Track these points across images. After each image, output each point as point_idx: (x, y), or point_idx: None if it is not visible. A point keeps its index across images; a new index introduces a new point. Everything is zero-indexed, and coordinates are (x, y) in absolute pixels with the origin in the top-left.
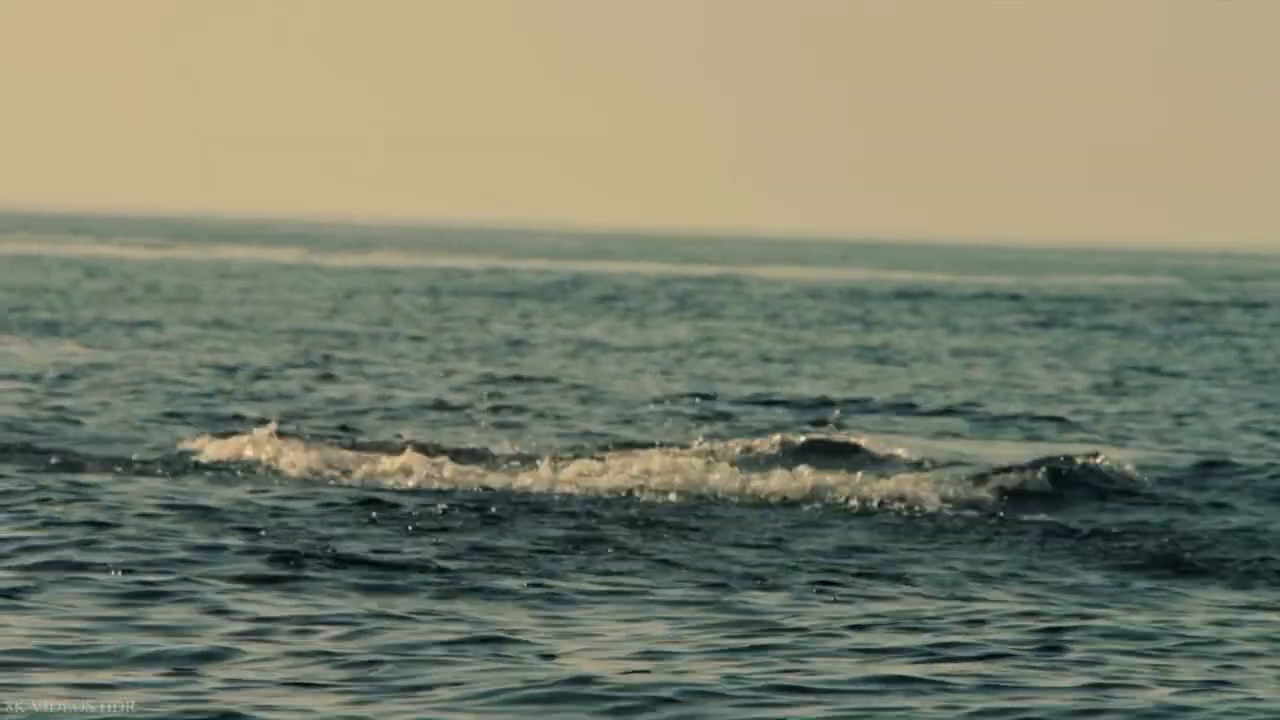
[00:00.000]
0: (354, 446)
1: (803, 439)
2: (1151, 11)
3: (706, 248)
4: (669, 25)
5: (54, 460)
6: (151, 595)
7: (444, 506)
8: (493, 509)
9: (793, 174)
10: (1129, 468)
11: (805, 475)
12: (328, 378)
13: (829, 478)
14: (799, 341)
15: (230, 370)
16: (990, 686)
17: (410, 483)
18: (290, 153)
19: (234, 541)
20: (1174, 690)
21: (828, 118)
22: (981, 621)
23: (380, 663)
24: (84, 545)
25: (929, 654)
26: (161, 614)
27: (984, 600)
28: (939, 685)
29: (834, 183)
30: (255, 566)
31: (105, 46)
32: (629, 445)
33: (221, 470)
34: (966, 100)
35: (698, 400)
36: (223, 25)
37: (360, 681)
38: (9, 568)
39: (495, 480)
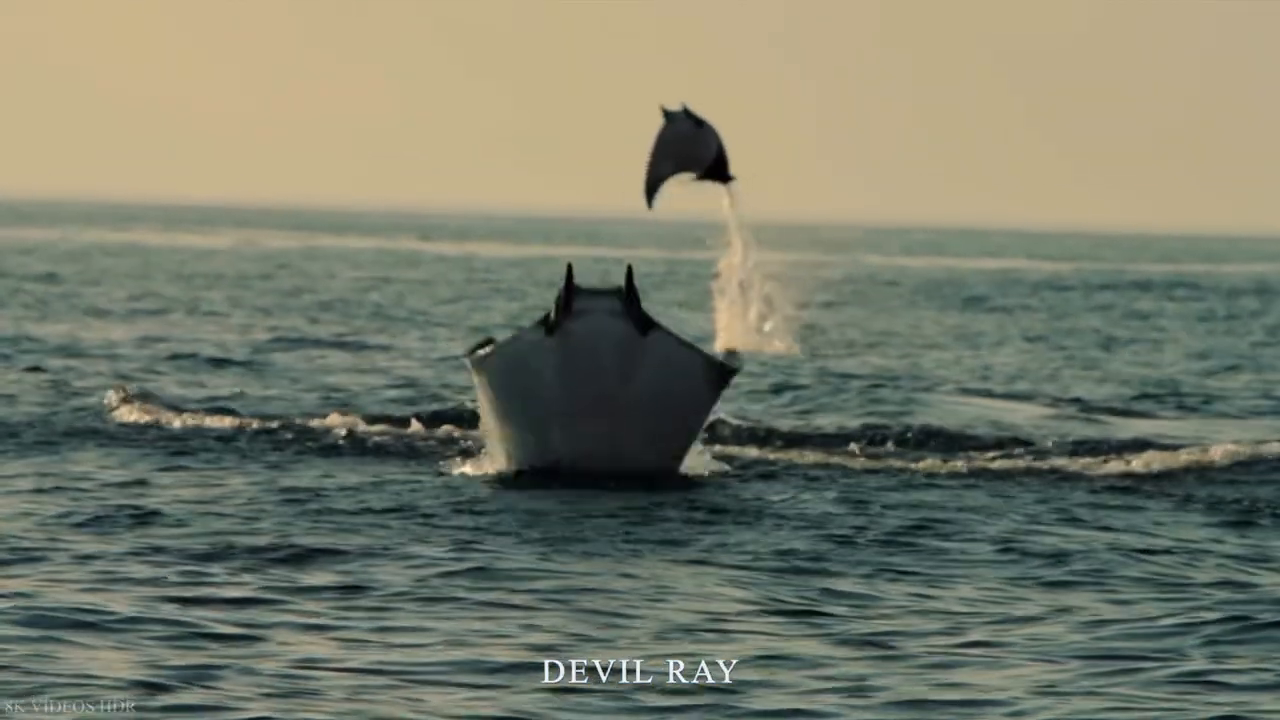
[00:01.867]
0: (418, 421)
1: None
2: None
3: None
4: (747, 14)
5: (148, 434)
6: (230, 556)
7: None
8: None
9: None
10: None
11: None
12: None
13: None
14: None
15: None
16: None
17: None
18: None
19: (287, 516)
20: None
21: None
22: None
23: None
24: (162, 506)
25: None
26: (239, 582)
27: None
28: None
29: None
30: (306, 540)
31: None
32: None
33: (269, 445)
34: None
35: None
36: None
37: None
38: (79, 538)
39: None
